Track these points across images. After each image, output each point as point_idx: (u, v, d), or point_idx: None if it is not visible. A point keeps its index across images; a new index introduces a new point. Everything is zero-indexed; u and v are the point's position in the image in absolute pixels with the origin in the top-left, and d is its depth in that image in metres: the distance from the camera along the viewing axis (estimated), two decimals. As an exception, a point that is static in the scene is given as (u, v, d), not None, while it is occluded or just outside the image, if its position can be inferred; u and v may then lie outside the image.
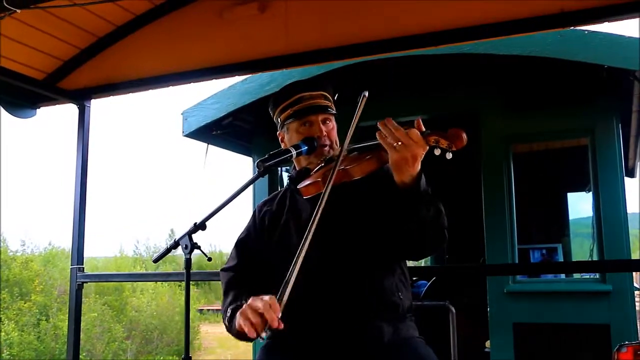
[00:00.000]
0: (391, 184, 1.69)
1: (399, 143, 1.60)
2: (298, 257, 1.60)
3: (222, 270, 2.05)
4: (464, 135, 1.53)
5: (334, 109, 2.07)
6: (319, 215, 1.65)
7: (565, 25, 2.59)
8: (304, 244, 1.61)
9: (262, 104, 3.53)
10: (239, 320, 1.66)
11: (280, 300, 1.57)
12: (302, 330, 1.89)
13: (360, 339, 1.82)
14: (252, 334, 1.55)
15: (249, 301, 1.63)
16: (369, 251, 1.86)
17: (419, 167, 1.65)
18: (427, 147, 1.60)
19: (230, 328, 1.81)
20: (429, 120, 4.22)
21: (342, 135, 1.87)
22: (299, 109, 2.01)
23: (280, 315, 1.54)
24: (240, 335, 1.74)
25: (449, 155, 1.56)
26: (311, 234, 1.62)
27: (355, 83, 3.26)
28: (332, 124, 2.06)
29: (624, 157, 4.64)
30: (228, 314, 1.83)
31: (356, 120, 1.76)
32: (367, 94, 1.74)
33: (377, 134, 1.66)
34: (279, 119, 2.09)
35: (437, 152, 1.57)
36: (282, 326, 1.54)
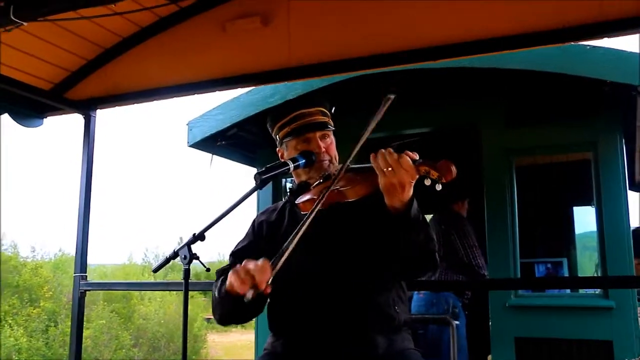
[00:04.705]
0: (383, 207, 1.70)
1: (389, 169, 1.62)
2: (300, 228, 1.63)
3: (217, 270, 2.05)
4: (454, 169, 1.54)
5: (332, 124, 2.09)
6: (313, 215, 1.66)
7: (565, 41, 2.60)
8: (303, 224, 1.64)
9: (265, 115, 3.55)
10: (229, 278, 1.68)
11: (273, 266, 1.61)
12: (297, 343, 1.90)
13: (355, 351, 1.83)
14: (242, 289, 1.59)
15: (243, 263, 1.66)
16: (364, 268, 1.87)
17: (410, 193, 1.66)
18: (417, 176, 1.60)
19: (219, 293, 1.83)
20: (431, 133, 4.23)
21: (346, 145, 1.86)
22: (297, 127, 2.03)
23: (270, 280, 1.59)
24: (227, 298, 1.75)
25: (439, 187, 1.56)
26: (306, 225, 1.65)
27: (357, 96, 3.29)
28: (331, 139, 2.07)
29: (629, 171, 4.61)
30: (218, 283, 1.86)
31: (374, 124, 1.68)
32: (393, 97, 1.68)
33: (371, 156, 1.67)
34: (277, 137, 2.10)
35: (427, 182, 1.58)
36: (269, 290, 1.59)
